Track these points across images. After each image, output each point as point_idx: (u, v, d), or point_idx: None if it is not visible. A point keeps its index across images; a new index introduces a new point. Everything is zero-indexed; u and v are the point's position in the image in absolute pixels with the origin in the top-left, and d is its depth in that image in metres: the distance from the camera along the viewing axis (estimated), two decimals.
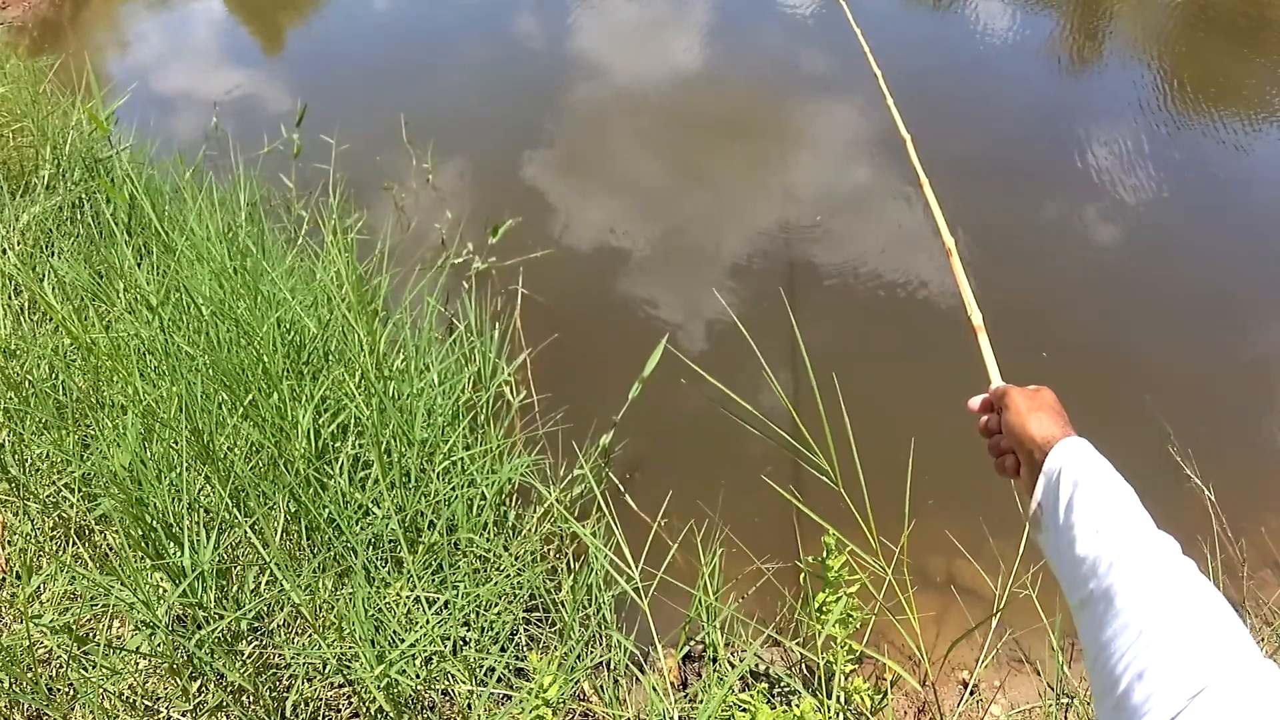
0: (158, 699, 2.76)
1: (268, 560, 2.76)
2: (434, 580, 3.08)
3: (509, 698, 2.81)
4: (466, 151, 6.15)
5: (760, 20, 8.33)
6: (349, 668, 2.72)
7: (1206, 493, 3.78)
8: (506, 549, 3.31)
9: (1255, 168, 6.32)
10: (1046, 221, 5.73)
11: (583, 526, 3.36)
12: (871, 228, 5.56)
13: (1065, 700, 3.19)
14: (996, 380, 1.61)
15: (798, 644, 3.26)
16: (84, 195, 4.93)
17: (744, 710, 2.74)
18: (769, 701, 2.98)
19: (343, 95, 7.06)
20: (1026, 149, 6.46)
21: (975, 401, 1.56)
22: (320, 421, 3.29)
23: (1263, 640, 3.47)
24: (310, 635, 2.90)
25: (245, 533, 2.83)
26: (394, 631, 2.82)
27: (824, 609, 2.91)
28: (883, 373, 4.57)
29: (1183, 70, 7.48)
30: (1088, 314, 5.02)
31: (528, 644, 3.19)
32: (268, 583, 2.97)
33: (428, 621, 2.84)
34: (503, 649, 3.06)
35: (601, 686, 3.06)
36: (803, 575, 3.09)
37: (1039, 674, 3.41)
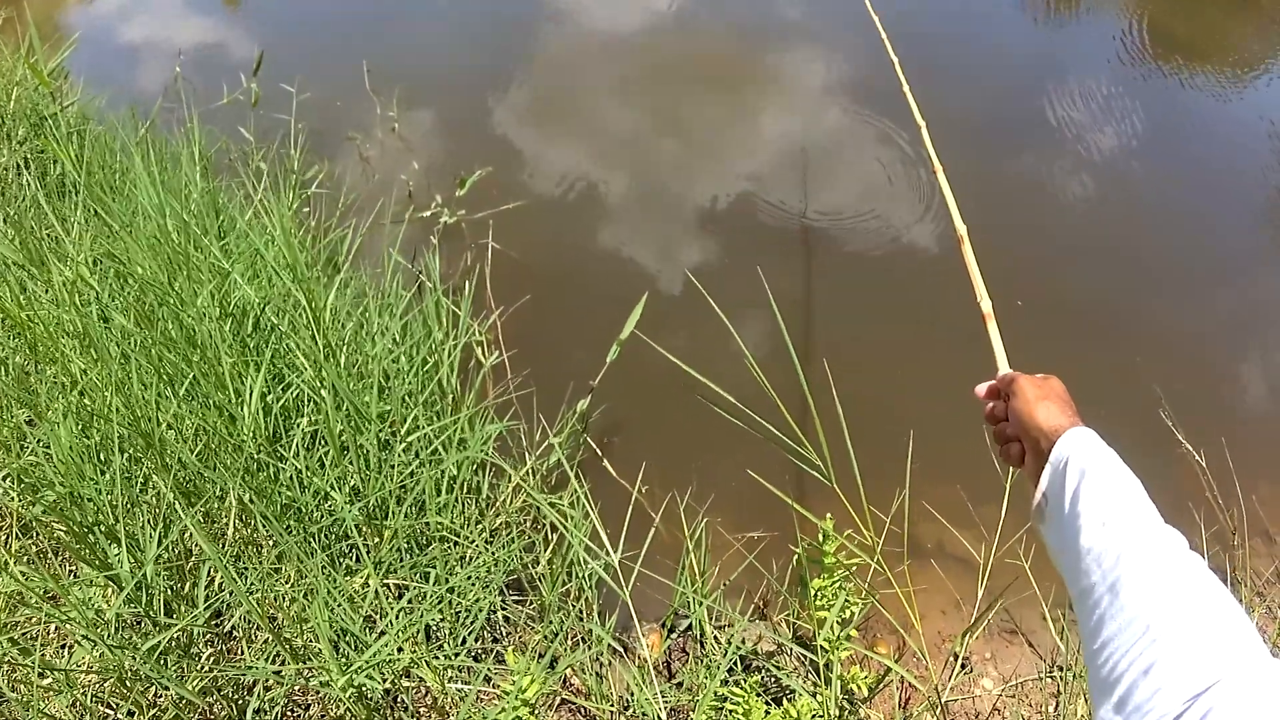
0: (108, 711, 2.57)
1: (215, 558, 2.54)
2: (403, 566, 2.88)
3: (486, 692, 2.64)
4: (434, 99, 5.86)
5: None
6: (313, 673, 2.53)
7: (1198, 459, 3.62)
8: (481, 520, 3.11)
9: (1242, 120, 6.07)
10: (1030, 177, 5.46)
11: (559, 499, 3.17)
12: (854, 179, 5.32)
13: (1057, 673, 3.06)
14: (1004, 367, 1.57)
15: (787, 619, 3.11)
16: (28, 156, 4.67)
17: (736, 704, 2.57)
18: (761, 695, 2.81)
19: (306, 42, 6.76)
20: (1008, 101, 6.16)
21: (982, 388, 1.54)
22: (270, 398, 3.06)
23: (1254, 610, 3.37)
24: (267, 641, 2.70)
25: (192, 528, 2.60)
26: (360, 627, 2.62)
27: (820, 596, 2.73)
28: (871, 335, 4.42)
29: (1169, 22, 7.18)
30: (1074, 271, 4.82)
31: (505, 626, 3.01)
32: (221, 583, 2.77)
33: (398, 614, 2.65)
34: (477, 637, 2.88)
35: (583, 667, 2.88)
36: (795, 559, 2.90)
37: (1031, 645, 3.29)
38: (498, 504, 3.22)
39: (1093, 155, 5.56)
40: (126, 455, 2.83)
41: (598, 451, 3.62)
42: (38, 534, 2.94)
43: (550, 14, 7.02)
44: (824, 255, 4.77)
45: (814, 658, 2.78)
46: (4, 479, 2.99)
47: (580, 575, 3.03)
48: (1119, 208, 5.26)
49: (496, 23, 6.86)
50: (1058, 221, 5.14)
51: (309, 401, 3.09)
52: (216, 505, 2.88)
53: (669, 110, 5.89)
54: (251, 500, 2.78)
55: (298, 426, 3.01)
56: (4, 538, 2.98)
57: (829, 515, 2.72)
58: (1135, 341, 4.41)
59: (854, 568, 2.77)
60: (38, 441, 2.97)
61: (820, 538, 2.71)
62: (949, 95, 5.80)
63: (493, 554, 2.98)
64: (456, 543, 3.00)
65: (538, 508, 3.23)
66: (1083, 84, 6.16)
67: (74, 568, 2.88)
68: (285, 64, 5.86)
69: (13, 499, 2.95)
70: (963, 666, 3.16)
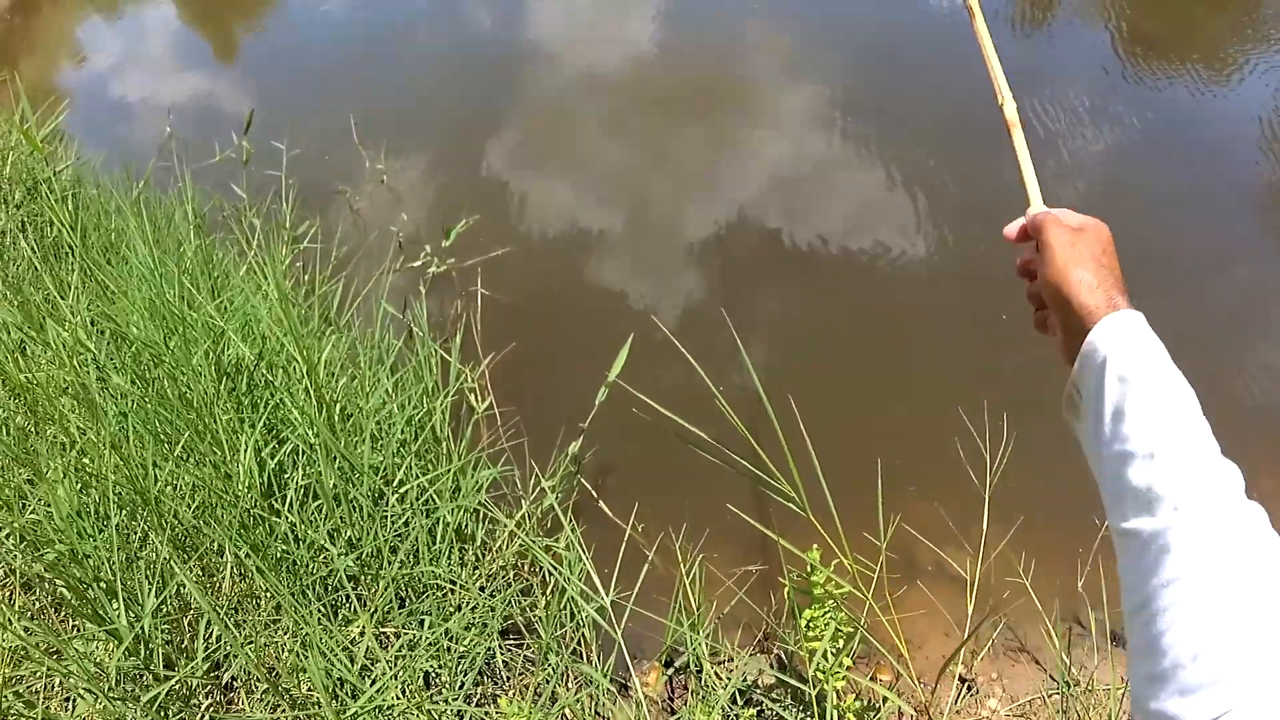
0: None
1: (211, 613, 2.59)
2: (399, 614, 2.92)
3: None
4: (422, 148, 5.93)
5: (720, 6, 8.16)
6: None
7: None
8: (478, 566, 3.15)
9: (1213, 121, 6.15)
10: (1016, 186, 5.52)
11: (555, 541, 3.21)
12: (836, 205, 5.37)
13: (1065, 688, 3.07)
14: (1036, 202, 1.29)
15: (783, 653, 3.13)
16: (25, 219, 4.74)
17: None
18: None
19: (295, 97, 6.84)
20: (989, 110, 6.24)
21: (1012, 229, 1.28)
22: (266, 453, 3.11)
23: None
24: (266, 691, 2.74)
25: (189, 584, 2.65)
26: (357, 675, 2.66)
27: (812, 626, 2.75)
28: (860, 362, 4.44)
29: (1145, 25, 7.30)
30: None
31: (504, 671, 3.04)
32: (218, 637, 2.81)
33: (394, 660, 2.69)
34: (476, 682, 2.91)
35: (582, 708, 2.91)
36: (786, 591, 2.93)
37: (1037, 663, 3.27)
38: (494, 550, 3.26)
39: (1078, 160, 5.63)
40: (124, 512, 2.88)
41: (592, 493, 3.67)
42: (39, 590, 2.99)
43: (531, 56, 7.10)
44: (816, 284, 4.82)
45: (810, 695, 2.80)
46: (6, 537, 3.04)
47: (578, 616, 3.06)
48: (1106, 212, 5.32)
49: (479, 68, 6.94)
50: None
51: (303, 455, 3.14)
52: (214, 560, 2.92)
53: (653, 146, 5.95)
54: (247, 555, 2.83)
55: (292, 481, 3.06)
56: (7, 594, 3.03)
57: (815, 546, 2.75)
58: None
59: (844, 597, 2.79)
60: (38, 500, 3.02)
61: (808, 569, 2.73)
62: (930, 109, 5.91)
63: (489, 600, 3.02)
64: (453, 590, 3.04)
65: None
66: (1063, 90, 6.23)
67: (76, 623, 2.92)
68: (275, 119, 5.92)
69: (15, 556, 3.01)
70: (967, 688, 3.17)
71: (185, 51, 8.04)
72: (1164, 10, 7.57)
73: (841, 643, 2.73)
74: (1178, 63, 6.66)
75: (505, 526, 3.25)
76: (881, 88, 6.36)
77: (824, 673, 2.69)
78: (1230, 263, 4.95)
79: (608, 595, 2.87)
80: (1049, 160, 5.60)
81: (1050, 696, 3.11)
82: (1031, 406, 3.45)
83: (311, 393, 3.20)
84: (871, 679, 3.11)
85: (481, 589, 3.07)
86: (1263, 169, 5.59)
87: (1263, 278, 4.87)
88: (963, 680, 3.17)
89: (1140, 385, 1.00)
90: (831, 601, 2.73)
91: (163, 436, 3.11)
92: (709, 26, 7.39)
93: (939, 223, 5.06)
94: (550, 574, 3.20)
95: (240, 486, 2.97)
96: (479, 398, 3.84)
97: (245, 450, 3.00)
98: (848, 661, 2.74)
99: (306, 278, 4.52)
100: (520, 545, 3.26)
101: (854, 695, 2.86)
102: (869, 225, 5.11)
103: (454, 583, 3.03)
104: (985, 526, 3.19)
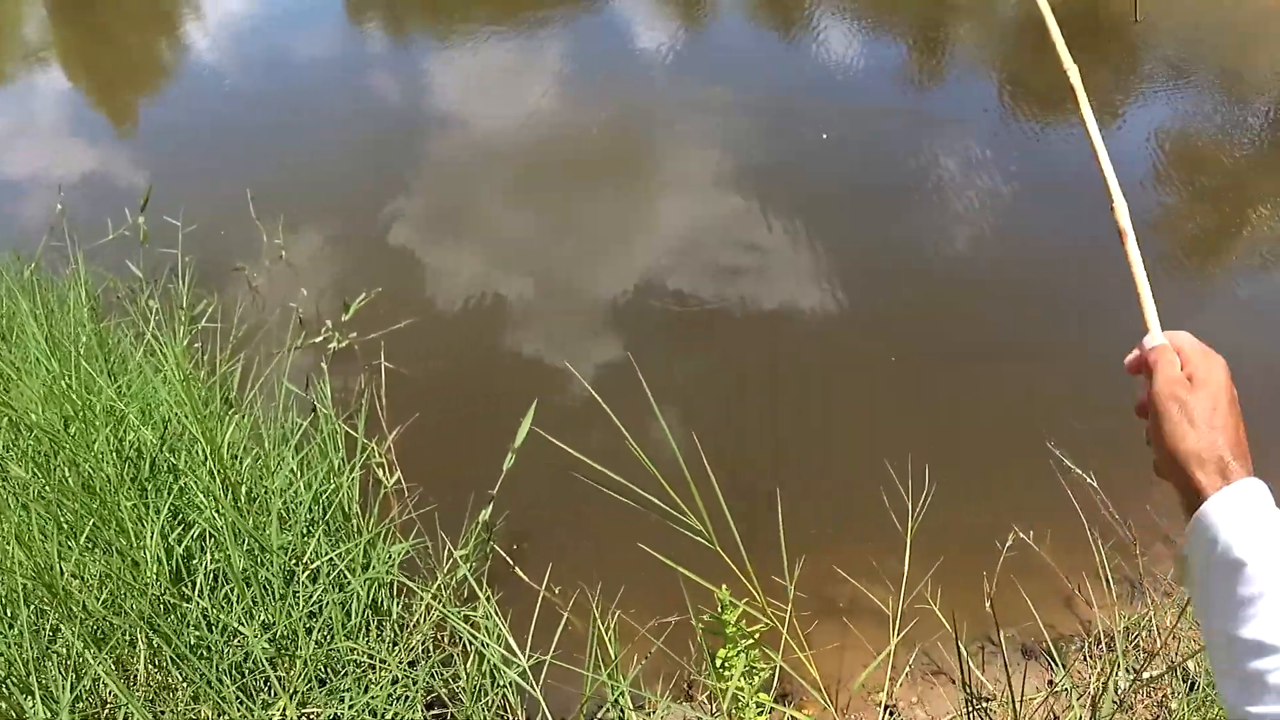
0: None
1: (129, 703, 2.55)
2: (320, 693, 2.91)
3: None
4: (320, 222, 5.94)
5: (615, 60, 8.30)
6: None
7: (1089, 480, 3.74)
8: (397, 640, 3.15)
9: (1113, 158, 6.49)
10: (910, 236, 5.78)
11: (474, 609, 3.22)
12: (740, 265, 5.51)
13: (982, 706, 3.16)
14: (1155, 330, 1.15)
15: (706, 698, 3.18)
16: None
17: None
18: None
19: (191, 171, 6.77)
20: (885, 167, 6.49)
21: (1131, 360, 1.17)
22: (173, 538, 3.08)
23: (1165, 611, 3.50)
24: None
25: (104, 676, 2.61)
26: None
27: (726, 665, 2.81)
28: (753, 410, 4.56)
29: (1028, 77, 7.66)
30: (956, 320, 5.10)
31: None
32: None
33: None
34: None
35: None
36: (700, 635, 2.99)
37: (954, 683, 3.38)
38: (412, 624, 3.26)
39: (971, 209, 5.88)
40: (32, 607, 2.83)
41: (507, 559, 3.68)
42: None
43: (428, 125, 7.18)
44: (724, 336, 4.95)
45: None
46: None
47: (500, 682, 3.07)
48: (999, 257, 5.63)
49: (378, 139, 6.97)
50: (945, 275, 5.46)
51: (211, 538, 3.11)
52: (127, 650, 2.88)
53: (553, 212, 6.04)
54: (160, 644, 2.80)
55: (201, 565, 3.04)
56: None
57: (724, 585, 2.80)
58: (1019, 379, 4.70)
59: (758, 634, 2.85)
60: None
61: (719, 608, 2.78)
62: (828, 166, 6.12)
63: (410, 673, 3.02)
64: (372, 666, 3.03)
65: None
66: (954, 143, 6.51)
67: None
68: (171, 193, 5.89)
69: None
70: (889, 714, 3.26)
71: (77, 123, 7.95)
72: (1047, 69, 7.90)
73: (757, 680, 2.79)
74: (1061, 115, 6.98)
75: (422, 599, 3.25)
76: (778, 152, 6.55)
77: (739, 712, 2.74)
78: (1120, 297, 5.19)
79: (527, 657, 2.89)
80: (953, 206, 5.83)
81: (969, 713, 3.20)
82: (942, 456, 3.59)
83: (216, 475, 3.18)
84: (798, 709, 3.18)
85: (401, 663, 3.07)
86: (1140, 207, 5.90)
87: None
88: (886, 707, 3.25)
89: (1265, 573, 0.93)
90: (746, 640, 2.78)
91: (66, 526, 3.06)
92: (610, 95, 7.53)
93: (838, 278, 5.22)
94: (470, 642, 3.21)
95: (148, 574, 2.94)
96: (387, 471, 3.84)
97: (151, 536, 2.97)
98: (766, 698, 2.79)
99: (206, 358, 4.48)
100: (438, 616, 3.27)
101: None
102: (774, 283, 5.26)
103: (373, 657, 3.03)
104: (907, 566, 3.29)
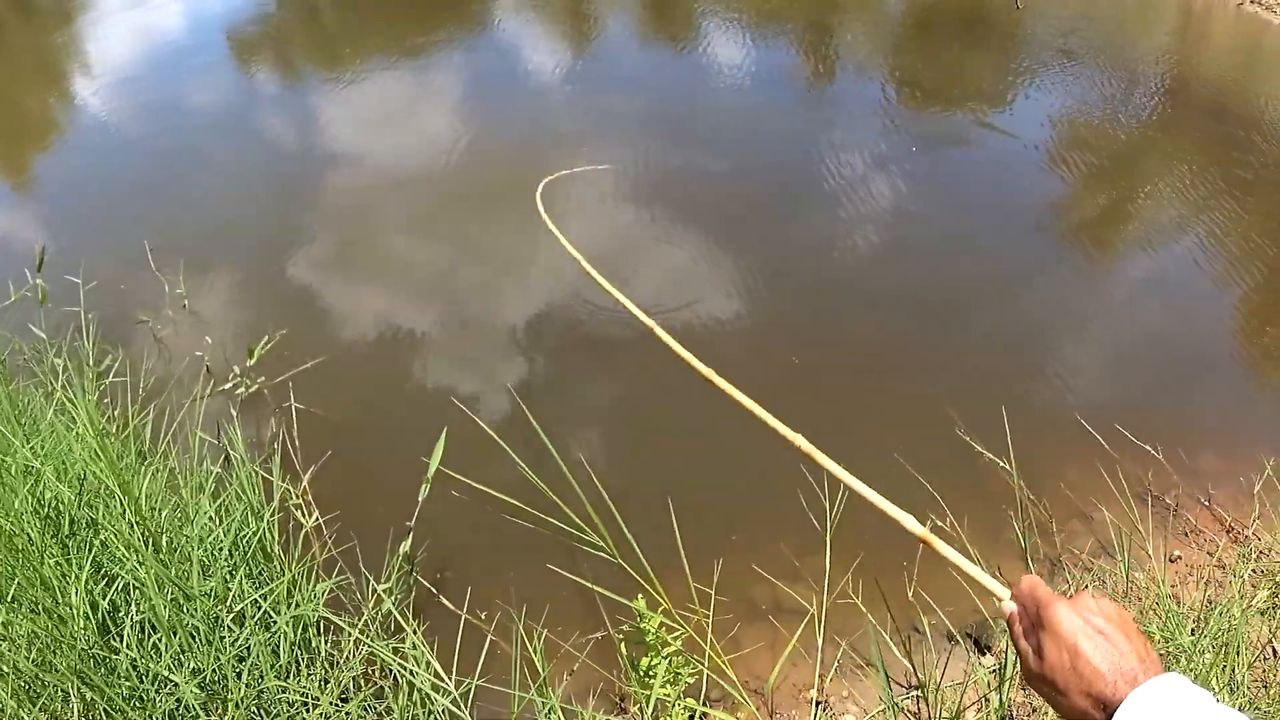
0: None
1: None
2: None
3: None
4: (221, 267, 5.92)
5: (507, 82, 8.42)
6: None
7: (1001, 464, 3.85)
8: (327, 680, 3.19)
9: (992, 156, 6.74)
10: (815, 237, 5.96)
11: (402, 640, 3.26)
12: (637, 283, 5.65)
13: (915, 692, 3.28)
14: (1004, 593, 1.23)
15: (639, 709, 3.25)
16: None
17: None
18: None
19: (90, 226, 6.68)
20: (782, 171, 6.68)
21: (1010, 607, 1.21)
22: (97, 592, 3.10)
23: (1081, 586, 3.64)
24: None
25: None
26: None
27: (650, 673, 2.89)
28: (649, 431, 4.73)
29: (918, 73, 7.92)
30: (866, 316, 5.31)
31: None
32: None
33: None
34: None
35: None
36: (621, 645, 3.07)
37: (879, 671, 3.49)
38: (342, 660, 3.31)
39: (871, 207, 6.09)
40: None
41: (430, 588, 3.74)
42: None
43: (324, 163, 7.18)
44: (630, 350, 5.09)
45: None
46: None
47: (432, 709, 3.12)
48: (902, 252, 5.86)
49: (273, 181, 6.99)
50: (848, 274, 5.68)
51: (135, 590, 3.14)
52: (61, 705, 2.90)
53: (453, 240, 6.13)
54: (93, 697, 2.83)
55: (127, 616, 3.07)
56: None
57: (639, 596, 2.90)
58: (927, 371, 4.91)
59: (684, 642, 2.94)
60: None
61: (638, 618, 2.86)
62: (731, 172, 6.26)
63: (343, 708, 3.07)
64: (305, 704, 3.08)
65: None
66: (850, 143, 6.71)
67: None
68: (68, 250, 5.87)
69: None
70: (822, 709, 3.37)
71: None
72: (935, 62, 8.17)
73: (682, 685, 2.87)
74: (953, 107, 7.22)
75: (350, 635, 3.30)
76: (674, 165, 6.69)
77: (667, 716, 2.83)
78: (1021, 283, 5.42)
79: (456, 683, 2.94)
80: (844, 213, 5.99)
81: (898, 702, 3.31)
82: (853, 454, 3.70)
83: (136, 526, 3.21)
84: (731, 712, 3.26)
85: (333, 699, 3.12)
86: (1038, 192, 6.15)
87: (1052, 288, 5.36)
88: (817, 703, 3.36)
89: None
90: (668, 648, 2.86)
91: None
92: (504, 118, 7.61)
93: (736, 294, 5.36)
94: (400, 674, 3.26)
95: (75, 628, 2.97)
96: (305, 511, 3.87)
97: (76, 592, 2.99)
98: (693, 703, 2.88)
99: (117, 412, 4.46)
100: (366, 650, 3.32)
101: None
102: (676, 300, 5.37)
103: (305, 695, 3.07)
104: (828, 565, 3.40)
